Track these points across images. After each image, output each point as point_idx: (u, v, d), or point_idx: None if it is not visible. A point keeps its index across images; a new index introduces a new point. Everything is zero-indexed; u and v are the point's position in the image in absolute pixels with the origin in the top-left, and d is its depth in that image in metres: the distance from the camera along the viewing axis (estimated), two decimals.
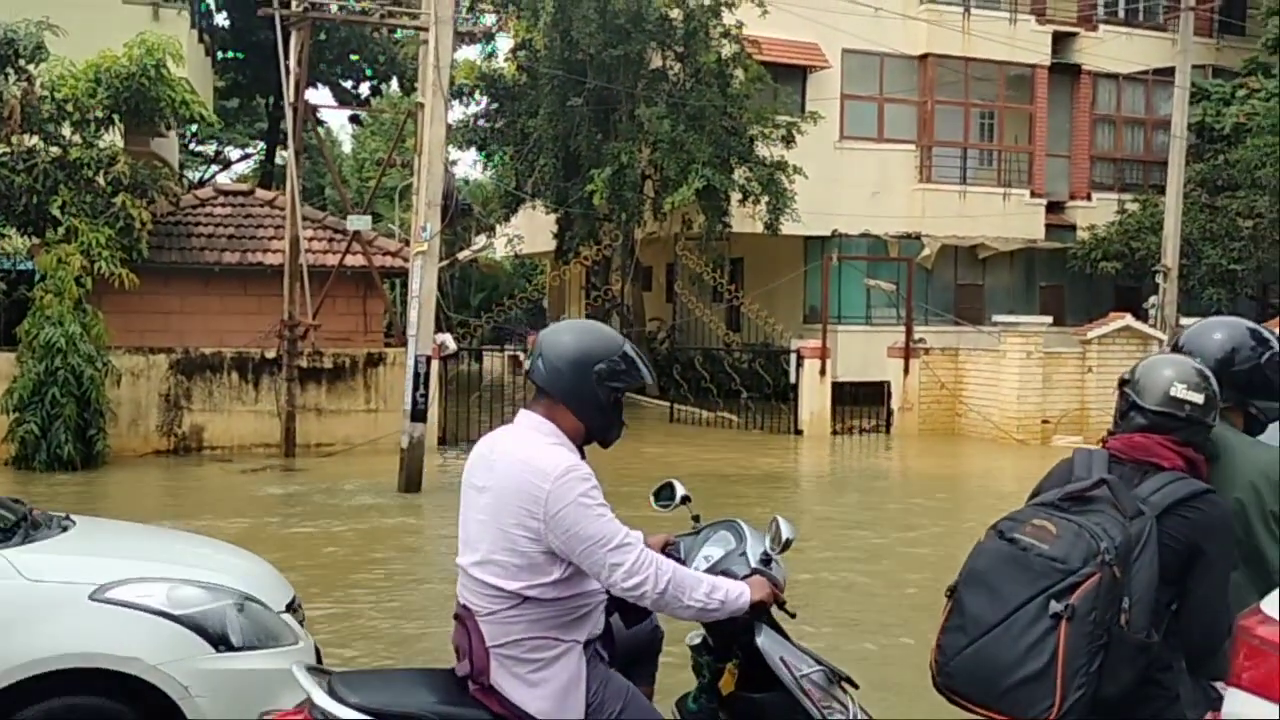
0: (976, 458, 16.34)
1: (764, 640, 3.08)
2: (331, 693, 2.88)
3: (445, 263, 20.21)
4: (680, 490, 3.65)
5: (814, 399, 17.84)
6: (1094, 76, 24.41)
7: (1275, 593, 2.58)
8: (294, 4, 14.23)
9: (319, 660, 4.34)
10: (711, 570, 3.22)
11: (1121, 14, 25.30)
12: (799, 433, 17.69)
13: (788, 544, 3.23)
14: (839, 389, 18.26)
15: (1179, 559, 2.79)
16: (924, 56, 22.73)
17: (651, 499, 3.71)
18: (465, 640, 2.98)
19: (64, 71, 13.90)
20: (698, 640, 3.26)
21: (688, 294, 20.92)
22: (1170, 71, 21.18)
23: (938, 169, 23.04)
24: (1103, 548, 2.69)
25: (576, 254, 21.44)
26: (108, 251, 13.57)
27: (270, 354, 14.94)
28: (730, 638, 3.15)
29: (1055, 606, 2.66)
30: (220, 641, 3.96)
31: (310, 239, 15.90)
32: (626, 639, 3.26)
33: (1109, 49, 23.91)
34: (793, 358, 18.09)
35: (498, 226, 28.12)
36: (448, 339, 15.94)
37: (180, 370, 14.58)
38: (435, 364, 14.00)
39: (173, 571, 4.21)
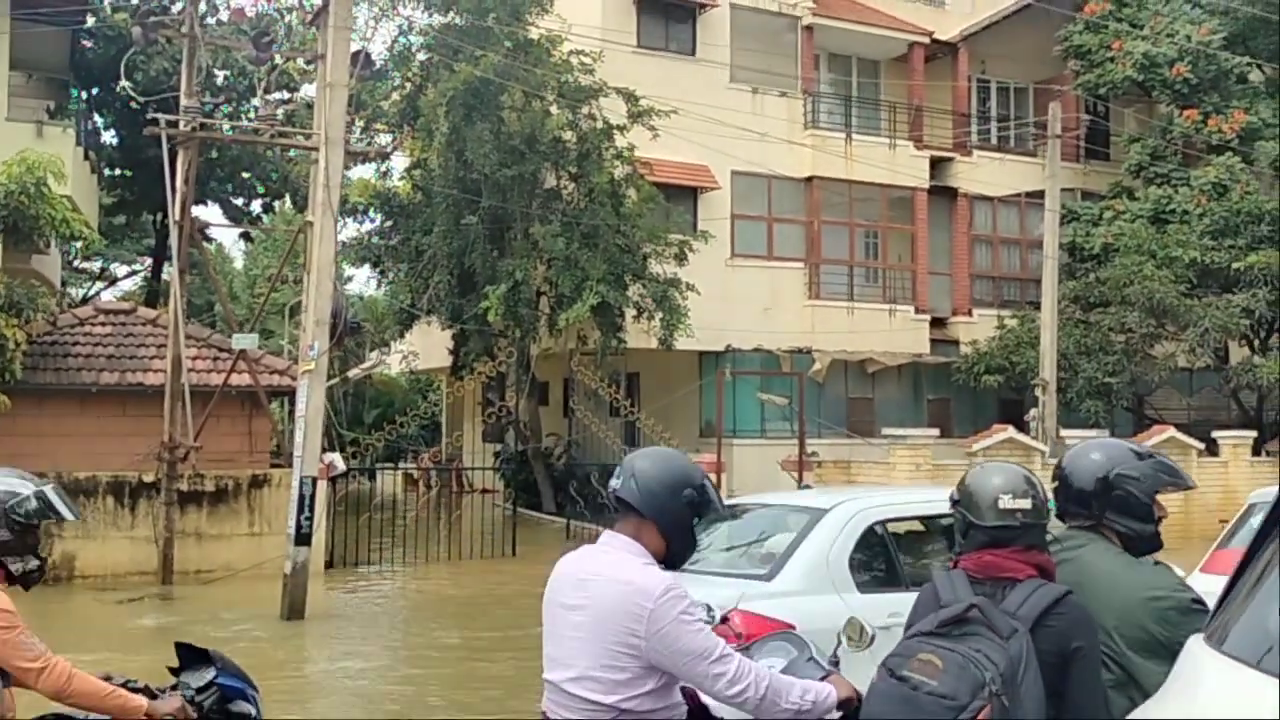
0: None
1: None
2: None
3: (336, 380, 19.90)
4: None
5: None
6: (970, 199, 25.53)
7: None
8: (181, 124, 14.15)
9: None
10: None
11: (994, 140, 26.70)
12: None
13: (872, 639, 3.43)
14: None
15: (1056, 669, 2.80)
16: (809, 179, 23.53)
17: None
18: None
19: None
20: None
21: (584, 409, 20.89)
22: (1042, 194, 22.21)
23: (826, 286, 23.66)
24: (988, 678, 2.68)
25: (472, 370, 21.29)
26: None
27: (149, 477, 14.40)
28: None
29: None
30: None
31: (194, 358, 15.52)
32: None
33: (983, 174, 25.12)
34: None
35: (392, 343, 27.88)
36: (336, 459, 15.59)
37: None
38: (323, 485, 13.64)
39: None
